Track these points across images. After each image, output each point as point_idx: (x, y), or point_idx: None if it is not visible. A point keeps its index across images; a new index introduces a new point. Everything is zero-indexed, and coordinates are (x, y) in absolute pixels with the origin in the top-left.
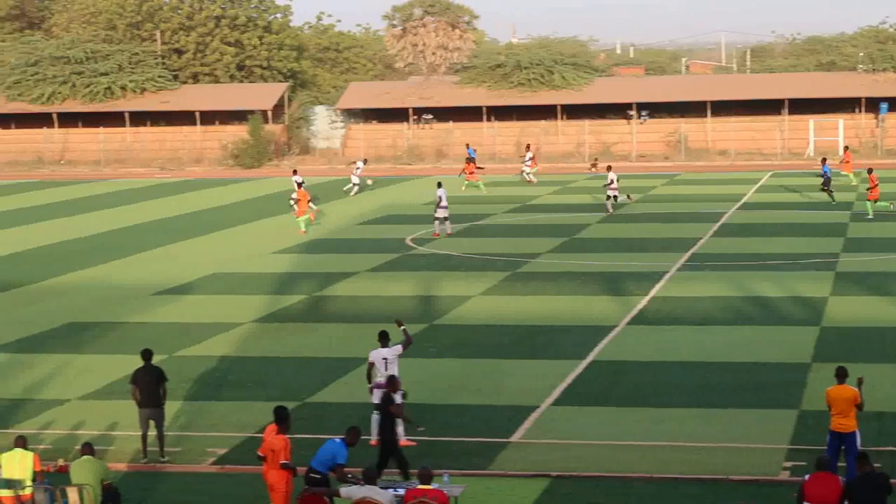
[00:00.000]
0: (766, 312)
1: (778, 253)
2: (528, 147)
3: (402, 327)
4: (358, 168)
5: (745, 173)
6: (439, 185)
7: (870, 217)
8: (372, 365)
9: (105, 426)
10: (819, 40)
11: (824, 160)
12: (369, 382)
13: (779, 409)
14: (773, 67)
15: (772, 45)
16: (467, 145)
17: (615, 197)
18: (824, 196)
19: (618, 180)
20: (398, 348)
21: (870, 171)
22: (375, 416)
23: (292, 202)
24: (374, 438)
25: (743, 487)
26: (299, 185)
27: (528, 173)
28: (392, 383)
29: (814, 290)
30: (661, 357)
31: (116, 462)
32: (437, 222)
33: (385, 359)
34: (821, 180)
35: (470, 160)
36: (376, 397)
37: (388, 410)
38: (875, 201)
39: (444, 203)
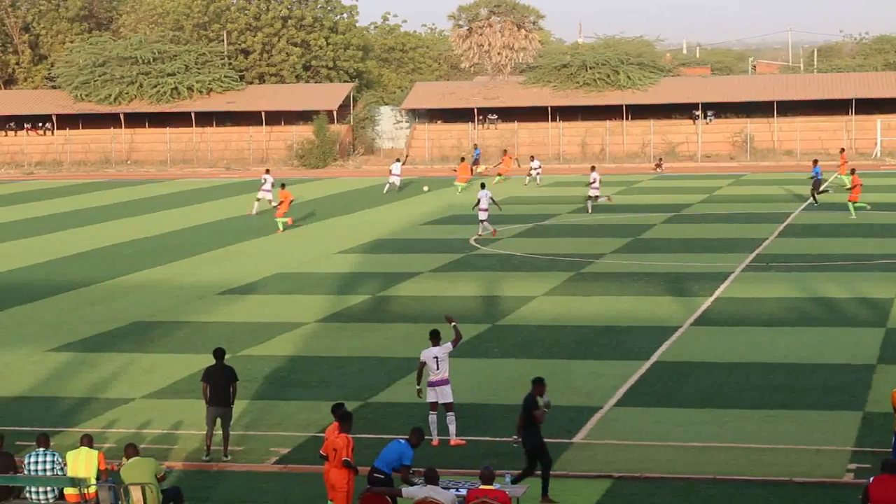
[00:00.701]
0: (832, 314)
1: (843, 254)
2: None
3: (453, 323)
4: (395, 169)
5: (811, 173)
6: (483, 185)
7: (853, 217)
8: (423, 364)
9: (169, 425)
10: (887, 40)
11: (815, 161)
12: (418, 383)
13: (843, 410)
14: (840, 67)
15: (839, 44)
16: (475, 146)
17: (596, 197)
18: (892, 197)
19: (600, 181)
20: (448, 346)
21: (853, 171)
22: (433, 417)
23: (264, 200)
24: (435, 439)
25: (807, 489)
26: (282, 185)
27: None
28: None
29: (880, 291)
30: (724, 358)
31: (179, 461)
32: (482, 224)
33: (436, 357)
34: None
35: (475, 161)
36: (434, 396)
37: (532, 415)
38: (855, 203)
39: (482, 205)
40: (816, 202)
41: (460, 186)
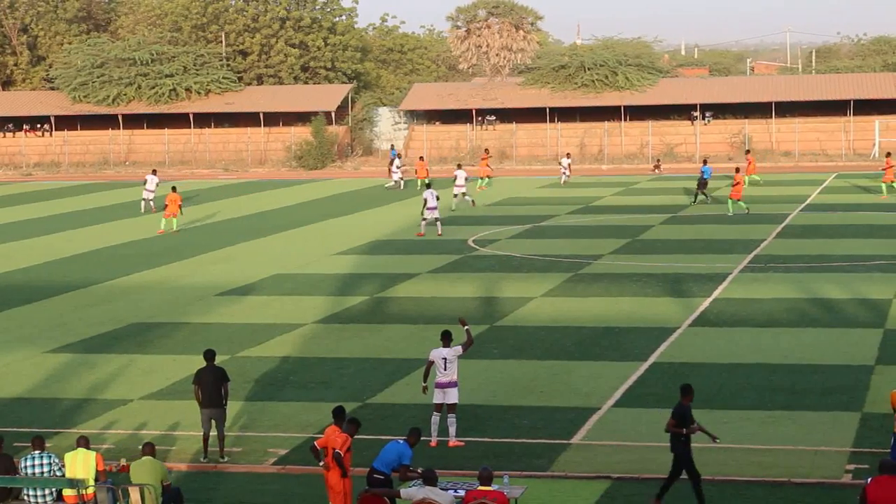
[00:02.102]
0: (830, 314)
1: (842, 255)
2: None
3: (466, 327)
4: (396, 166)
5: (809, 174)
6: (428, 185)
7: (730, 215)
8: (431, 363)
9: (167, 426)
10: (886, 41)
11: (705, 161)
12: (424, 381)
13: (842, 411)
14: (838, 68)
15: (837, 45)
16: (391, 146)
17: (463, 194)
18: (891, 199)
19: (466, 180)
20: (458, 349)
21: (737, 170)
22: (435, 418)
23: (151, 202)
24: (433, 440)
25: (806, 490)
26: (173, 188)
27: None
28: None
29: (878, 292)
30: (723, 359)
31: (178, 462)
32: (423, 223)
33: (444, 358)
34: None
35: (391, 162)
36: (440, 398)
37: (688, 429)
38: (736, 201)
39: (430, 204)
40: (695, 201)
41: (419, 183)
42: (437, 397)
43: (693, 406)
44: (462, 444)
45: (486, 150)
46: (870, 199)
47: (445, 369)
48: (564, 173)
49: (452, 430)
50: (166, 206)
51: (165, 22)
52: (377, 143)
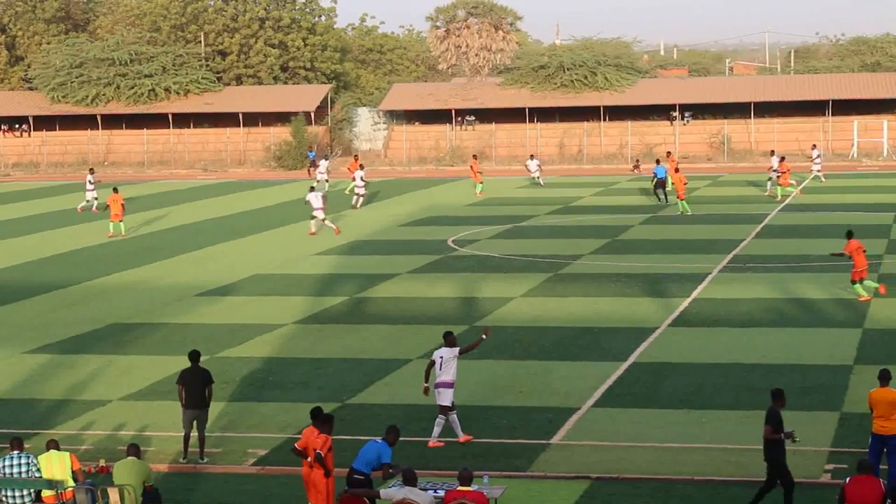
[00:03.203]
0: (809, 314)
1: (821, 254)
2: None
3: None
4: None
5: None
6: (311, 188)
7: (688, 214)
8: (432, 364)
9: (146, 427)
10: (863, 41)
11: (658, 161)
12: (426, 381)
13: (821, 411)
14: (817, 68)
15: (816, 45)
16: (310, 147)
17: (361, 195)
18: (869, 198)
19: (363, 177)
20: (456, 350)
21: (677, 170)
22: (440, 419)
23: (92, 205)
24: (432, 440)
25: None
26: (115, 189)
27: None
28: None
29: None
30: (702, 359)
31: (157, 462)
32: (316, 222)
33: (441, 357)
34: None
35: (312, 164)
36: (441, 398)
37: (782, 433)
38: (683, 201)
39: (315, 204)
40: (660, 200)
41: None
42: (441, 398)
43: (670, 406)
44: (441, 444)
45: (475, 155)
46: (849, 200)
47: (441, 369)
48: (535, 175)
49: (436, 430)
50: (108, 206)
51: (144, 22)
52: (357, 143)
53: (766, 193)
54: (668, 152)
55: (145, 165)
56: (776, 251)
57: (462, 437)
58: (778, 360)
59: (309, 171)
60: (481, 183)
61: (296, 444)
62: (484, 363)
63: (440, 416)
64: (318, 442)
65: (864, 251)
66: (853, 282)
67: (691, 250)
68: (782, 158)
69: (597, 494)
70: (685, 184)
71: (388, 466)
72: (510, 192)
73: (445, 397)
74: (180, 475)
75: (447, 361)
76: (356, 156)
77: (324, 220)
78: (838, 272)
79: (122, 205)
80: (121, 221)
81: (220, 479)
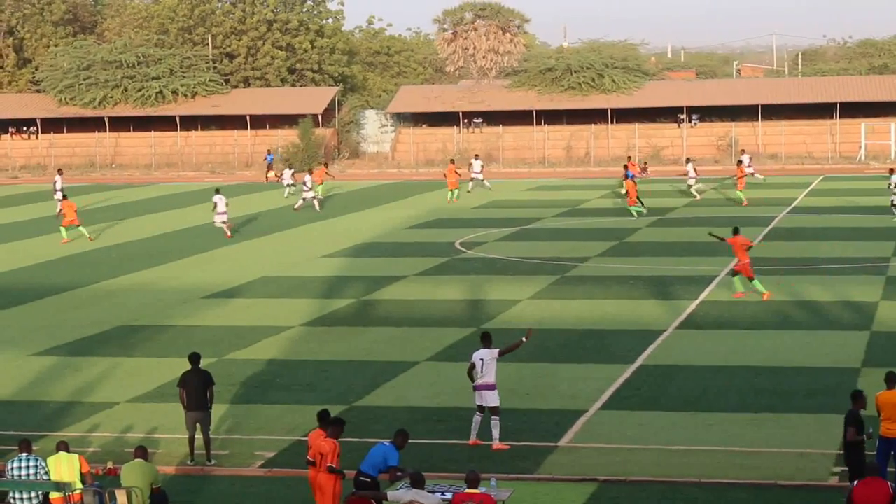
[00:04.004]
0: (816, 317)
1: (828, 257)
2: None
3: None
4: (283, 175)
5: (795, 177)
6: (217, 190)
7: (634, 217)
8: (473, 366)
9: (153, 429)
10: (871, 44)
11: (626, 166)
12: (472, 381)
13: (828, 413)
14: (824, 71)
15: (824, 48)
16: (268, 151)
17: (304, 199)
18: (876, 201)
19: (310, 181)
20: (495, 351)
21: (626, 176)
22: (477, 418)
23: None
24: (472, 438)
25: (792, 492)
26: (64, 195)
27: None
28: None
29: (864, 295)
30: (709, 361)
31: (164, 465)
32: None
33: (482, 360)
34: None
35: (269, 167)
36: (478, 399)
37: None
38: (631, 206)
39: (220, 209)
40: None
41: (320, 189)
42: (476, 399)
43: (677, 409)
44: (507, 447)
45: (452, 160)
46: (856, 203)
47: (481, 371)
48: (477, 176)
49: (496, 433)
50: (63, 213)
51: (152, 24)
52: (364, 145)
53: (699, 197)
54: (629, 157)
55: (153, 168)
56: (783, 253)
57: (473, 441)
58: (785, 363)
59: (266, 175)
60: (457, 188)
61: (308, 456)
62: None
63: (493, 417)
64: (327, 448)
65: (748, 248)
66: (734, 273)
67: (698, 253)
68: (740, 162)
69: (603, 497)
70: (627, 192)
71: (396, 469)
72: (517, 195)
73: (491, 399)
74: (187, 477)
75: (488, 363)
76: (325, 163)
77: (224, 222)
78: (845, 275)
79: (76, 210)
80: (79, 226)
81: (227, 482)
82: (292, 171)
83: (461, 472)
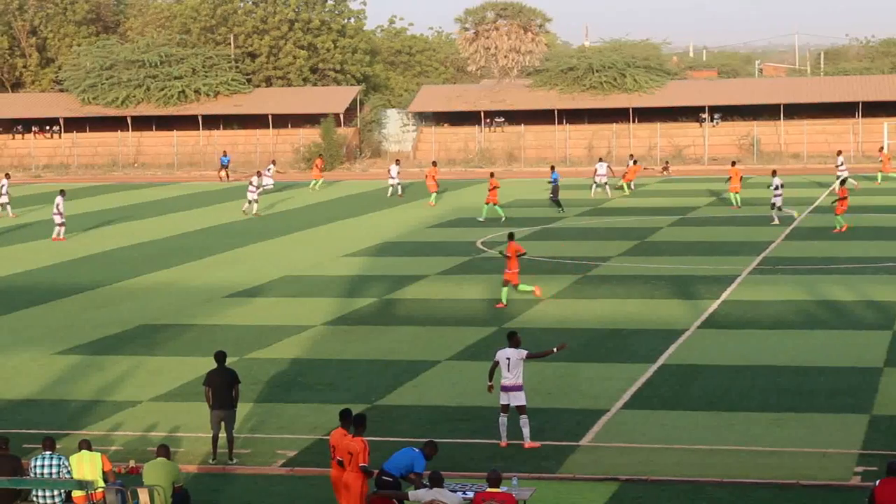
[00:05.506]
0: (838, 316)
1: (850, 256)
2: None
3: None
4: (266, 174)
5: (817, 176)
6: (62, 192)
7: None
8: (496, 364)
9: (175, 428)
10: (894, 42)
11: (553, 167)
12: (489, 380)
13: (850, 413)
14: (846, 70)
15: (846, 47)
16: (224, 153)
17: (252, 202)
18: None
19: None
20: (524, 352)
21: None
22: (502, 419)
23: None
24: (503, 440)
25: (814, 492)
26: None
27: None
28: None
29: (887, 294)
30: (731, 361)
31: (186, 463)
32: None
33: (508, 359)
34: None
35: (223, 167)
36: (504, 399)
37: None
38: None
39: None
40: (561, 208)
41: (318, 183)
42: (503, 399)
43: (699, 408)
44: (538, 445)
45: (434, 162)
46: (878, 202)
47: (508, 371)
48: (394, 181)
49: (526, 431)
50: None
51: (174, 24)
52: (385, 144)
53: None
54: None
55: (175, 167)
56: (805, 253)
57: (505, 443)
58: (807, 363)
59: (220, 175)
60: (436, 192)
61: (336, 456)
62: None
63: (522, 416)
64: (357, 447)
65: (520, 256)
66: (504, 283)
67: (720, 252)
68: (733, 163)
69: (625, 496)
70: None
71: (420, 476)
72: (539, 194)
73: (519, 398)
74: (210, 476)
75: (515, 363)
76: (321, 155)
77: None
78: (867, 274)
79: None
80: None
81: (249, 480)
82: (260, 179)
83: (483, 472)
